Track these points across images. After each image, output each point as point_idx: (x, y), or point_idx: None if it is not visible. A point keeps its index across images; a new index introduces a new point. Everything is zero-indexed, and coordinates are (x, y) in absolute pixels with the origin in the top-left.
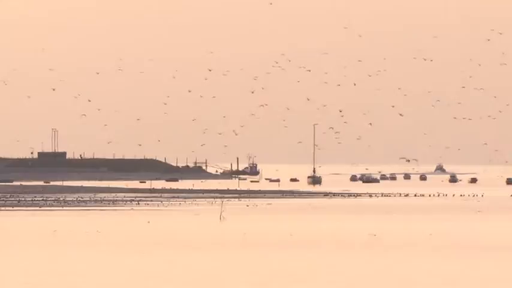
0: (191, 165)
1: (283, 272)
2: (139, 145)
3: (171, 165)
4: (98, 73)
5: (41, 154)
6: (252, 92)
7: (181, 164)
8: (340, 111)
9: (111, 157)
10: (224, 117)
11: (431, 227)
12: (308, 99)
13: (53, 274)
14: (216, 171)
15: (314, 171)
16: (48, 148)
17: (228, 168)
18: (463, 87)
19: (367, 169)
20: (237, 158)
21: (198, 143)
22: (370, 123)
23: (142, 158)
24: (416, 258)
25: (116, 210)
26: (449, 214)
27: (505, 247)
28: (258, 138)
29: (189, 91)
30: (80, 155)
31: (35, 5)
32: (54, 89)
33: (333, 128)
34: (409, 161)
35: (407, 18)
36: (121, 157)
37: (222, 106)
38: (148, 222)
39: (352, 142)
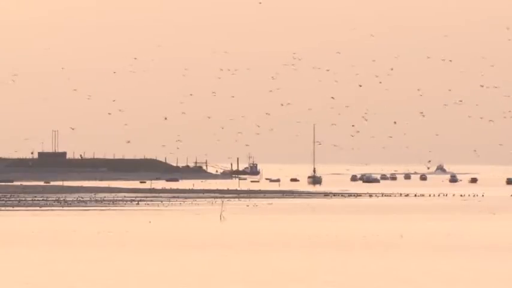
0: (191, 165)
1: (283, 272)
2: (163, 146)
3: (171, 165)
4: (114, 72)
5: (41, 154)
6: (270, 91)
7: (181, 164)
8: (366, 113)
9: (111, 157)
10: (243, 116)
11: (432, 227)
12: (332, 98)
13: (53, 274)
14: (216, 171)
15: (314, 171)
16: (48, 148)
17: (228, 168)
18: (482, 86)
19: (396, 170)
20: (237, 158)
21: (199, 143)
22: (395, 122)
23: (143, 158)
24: (416, 258)
25: (116, 210)
26: (449, 214)
27: (505, 247)
28: (259, 138)
29: (214, 93)
30: (80, 155)
31: (34, 4)
32: (75, 90)
33: (354, 126)
34: (429, 168)
35: (418, 17)
36: (121, 157)
37: (232, 105)
38: (150, 222)
39: (367, 142)
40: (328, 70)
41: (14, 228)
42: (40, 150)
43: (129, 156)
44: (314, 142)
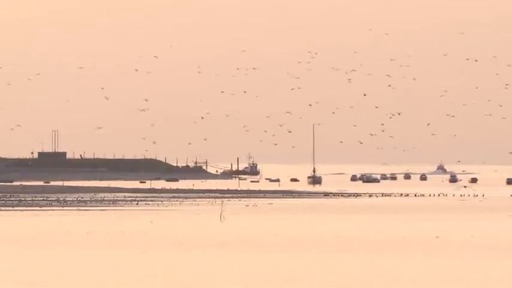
0: (191, 165)
1: (283, 272)
2: (190, 144)
3: (171, 165)
4: (136, 70)
5: (41, 154)
6: (292, 89)
7: (181, 164)
8: (399, 114)
9: (111, 157)
10: (268, 116)
11: (432, 227)
12: (365, 95)
13: (53, 274)
14: (216, 171)
15: (314, 171)
16: (48, 148)
17: (228, 168)
18: (507, 85)
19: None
20: (237, 158)
21: (200, 143)
22: (428, 124)
23: (142, 158)
24: (415, 258)
25: (116, 210)
26: (449, 214)
27: (505, 247)
28: (258, 138)
29: (241, 93)
30: (80, 155)
31: (30, 3)
32: (103, 88)
33: (383, 124)
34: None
35: (434, 15)
36: (121, 157)
37: (242, 104)
38: (151, 222)
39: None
40: (354, 70)
41: (14, 228)
42: (40, 150)
43: (129, 156)
44: (314, 142)
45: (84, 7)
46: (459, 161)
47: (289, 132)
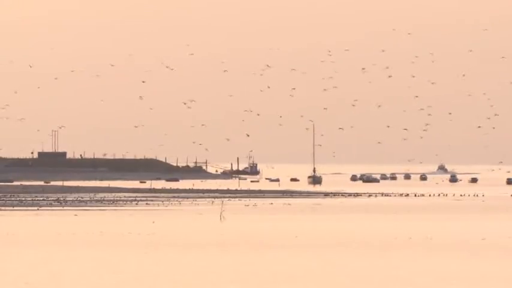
0: (191, 165)
1: (283, 272)
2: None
3: (172, 165)
4: (167, 66)
5: (41, 154)
6: (325, 90)
7: (181, 164)
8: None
9: (111, 157)
10: (302, 116)
11: (432, 227)
12: (417, 97)
13: (53, 274)
14: (216, 171)
15: (314, 171)
16: (48, 148)
17: (228, 168)
18: None
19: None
20: (237, 158)
21: (200, 143)
22: (479, 126)
23: (143, 158)
24: (415, 258)
25: (116, 210)
26: (449, 214)
27: (505, 246)
28: (258, 138)
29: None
30: (80, 155)
31: (30, 3)
32: (144, 81)
33: (428, 124)
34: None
35: (455, 13)
36: (121, 157)
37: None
38: (153, 222)
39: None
40: (387, 67)
41: (13, 228)
42: (40, 150)
43: (129, 156)
44: (314, 142)
45: (83, 7)
46: (501, 162)
47: (337, 134)
